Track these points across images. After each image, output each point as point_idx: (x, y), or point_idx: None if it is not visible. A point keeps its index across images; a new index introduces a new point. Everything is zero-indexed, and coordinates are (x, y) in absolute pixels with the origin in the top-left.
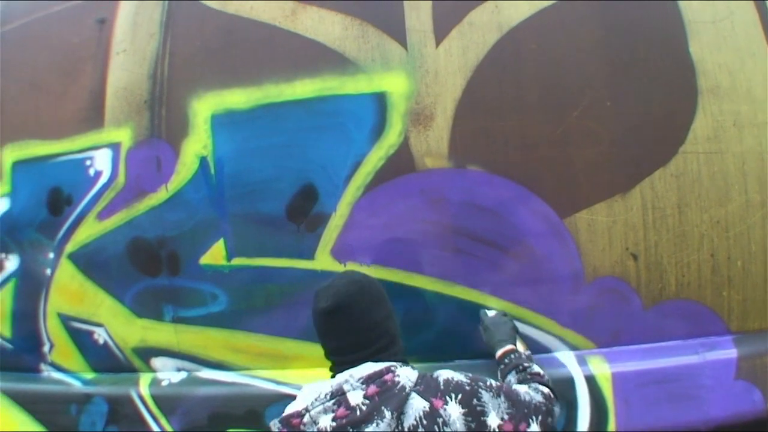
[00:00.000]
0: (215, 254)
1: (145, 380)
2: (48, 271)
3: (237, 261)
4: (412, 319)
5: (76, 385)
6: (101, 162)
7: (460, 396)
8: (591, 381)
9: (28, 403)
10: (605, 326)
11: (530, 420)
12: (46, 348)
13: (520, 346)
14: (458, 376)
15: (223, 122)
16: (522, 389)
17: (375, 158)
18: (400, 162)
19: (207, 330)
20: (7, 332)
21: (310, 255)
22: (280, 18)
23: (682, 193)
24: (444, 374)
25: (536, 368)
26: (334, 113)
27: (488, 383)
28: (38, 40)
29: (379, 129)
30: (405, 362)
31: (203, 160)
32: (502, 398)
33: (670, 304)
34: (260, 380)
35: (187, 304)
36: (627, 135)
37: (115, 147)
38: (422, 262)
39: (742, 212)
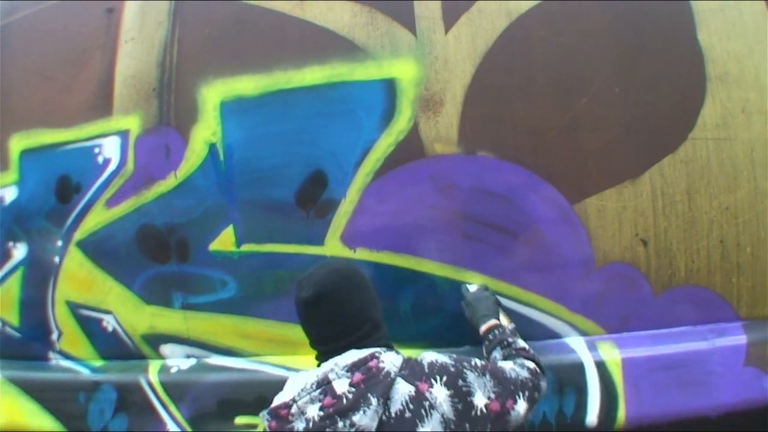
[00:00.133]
0: (224, 241)
1: (154, 367)
2: (56, 259)
3: (246, 247)
4: (421, 304)
5: (85, 372)
6: (110, 150)
7: (445, 378)
8: (601, 366)
9: (36, 392)
10: (615, 312)
11: (517, 396)
12: (54, 336)
13: (504, 320)
14: (442, 358)
15: (233, 109)
16: (507, 366)
17: (384, 144)
18: (410, 148)
19: (216, 316)
20: (15, 321)
21: (319, 241)
22: (289, 5)
23: (692, 180)
24: (428, 357)
25: (521, 343)
26: (344, 100)
27: (473, 363)
28: (46, 30)
29: (388, 115)
30: (390, 347)
31: (212, 147)
32: (488, 377)
33: (679, 290)
34: (270, 366)
35: (197, 290)
36: (636, 121)
37: (123, 135)
38: (432, 248)
39: (750, 199)
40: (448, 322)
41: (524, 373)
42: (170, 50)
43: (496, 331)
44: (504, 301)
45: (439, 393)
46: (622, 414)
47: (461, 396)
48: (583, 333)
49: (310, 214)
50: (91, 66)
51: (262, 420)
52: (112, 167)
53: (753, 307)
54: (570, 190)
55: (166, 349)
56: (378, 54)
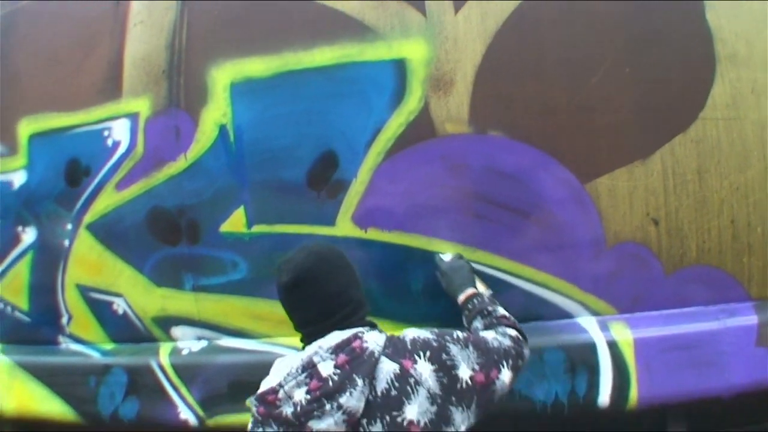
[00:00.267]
0: (235, 222)
1: (165, 350)
2: (66, 243)
3: (257, 228)
4: (432, 284)
5: (95, 356)
6: (119, 132)
7: (428, 353)
8: (613, 346)
9: (46, 376)
10: (626, 292)
11: (501, 366)
12: (64, 320)
13: (481, 287)
14: (424, 334)
15: (243, 90)
16: (490, 335)
17: (395, 124)
18: (421, 128)
19: (227, 298)
20: (24, 305)
21: (330, 221)
22: None
23: (702, 159)
24: (410, 334)
25: (501, 311)
26: (354, 80)
27: (455, 336)
28: (55, 14)
29: (398, 95)
30: (373, 326)
31: (223, 129)
32: (471, 349)
33: (690, 270)
34: (281, 348)
35: (207, 272)
36: (646, 101)
37: (133, 117)
38: (443, 228)
39: (761, 179)
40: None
41: (507, 342)
42: (179, 33)
43: (475, 300)
44: (516, 281)
45: (424, 369)
46: (634, 394)
47: (446, 370)
48: (594, 313)
49: (321, 195)
50: (100, 49)
51: (250, 406)
52: (121, 150)
53: (764, 287)
54: (581, 169)
55: (177, 331)
56: (388, 34)
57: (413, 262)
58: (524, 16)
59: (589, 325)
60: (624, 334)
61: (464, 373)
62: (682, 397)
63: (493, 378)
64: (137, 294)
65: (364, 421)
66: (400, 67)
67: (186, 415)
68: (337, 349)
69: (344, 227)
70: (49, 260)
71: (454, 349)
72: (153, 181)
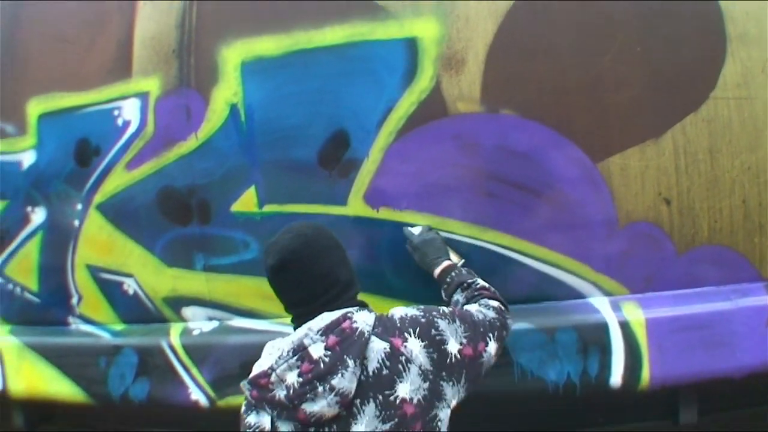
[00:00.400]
0: (246, 201)
1: (175, 330)
2: (76, 223)
3: (268, 208)
4: None
5: (105, 336)
6: (129, 112)
7: (417, 330)
8: (625, 327)
9: (55, 357)
10: (638, 272)
11: (487, 338)
12: (74, 300)
13: (454, 258)
14: (411, 311)
15: (254, 69)
16: (473, 308)
17: (407, 103)
18: (432, 107)
19: (238, 278)
20: (34, 286)
21: (342, 201)
22: None
23: (714, 139)
24: (398, 312)
25: (481, 282)
26: (365, 59)
27: (441, 311)
28: None
29: (410, 74)
30: (363, 306)
31: (233, 108)
32: (458, 323)
33: (702, 250)
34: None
35: (219, 252)
36: (658, 80)
37: (143, 97)
38: (455, 207)
39: None
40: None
41: (491, 314)
42: (189, 11)
43: (453, 273)
44: (527, 261)
45: (414, 346)
46: (646, 374)
47: (435, 345)
48: (606, 293)
49: (332, 174)
50: (109, 29)
51: (243, 389)
52: (132, 129)
53: None
54: (593, 148)
55: (187, 311)
56: (399, 13)
57: None
58: None
59: (601, 305)
60: (636, 314)
61: (453, 347)
62: (694, 378)
63: (480, 351)
64: (148, 274)
65: (357, 401)
66: (411, 45)
67: (197, 395)
68: (326, 331)
69: (356, 207)
70: (58, 241)
71: (442, 324)
72: (163, 161)
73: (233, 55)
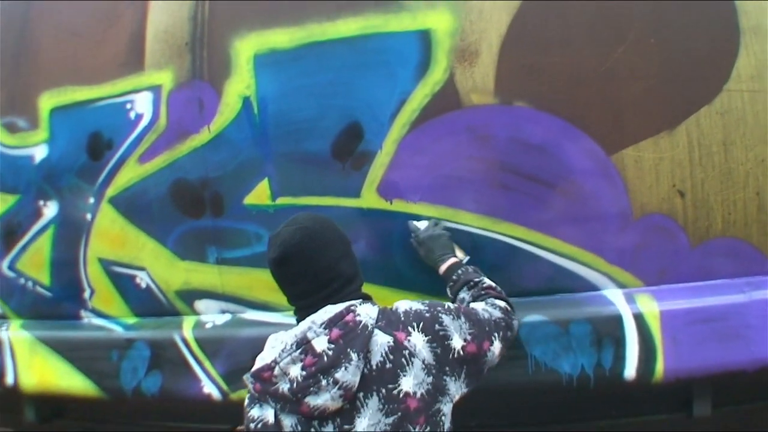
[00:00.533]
0: (259, 194)
1: (188, 323)
2: (88, 217)
3: (282, 200)
4: None
5: (118, 330)
6: (142, 105)
7: (421, 324)
8: (639, 319)
9: (67, 351)
10: (652, 264)
11: (492, 338)
12: (86, 294)
13: (460, 254)
14: (416, 305)
15: (267, 62)
16: (479, 307)
17: (420, 95)
18: (446, 99)
19: (252, 271)
20: (46, 280)
21: (355, 193)
22: None
23: (727, 131)
24: (403, 305)
25: (487, 281)
26: (379, 51)
27: (447, 306)
28: None
29: (423, 66)
30: (366, 299)
31: (246, 100)
32: (463, 319)
33: (716, 243)
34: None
35: (232, 245)
36: (672, 72)
37: (156, 90)
38: (468, 199)
39: None
40: (486, 273)
41: (497, 313)
42: (202, 4)
43: (460, 271)
44: (541, 253)
45: (418, 340)
46: (660, 367)
47: (439, 340)
48: (620, 285)
49: (346, 166)
50: (121, 22)
51: (246, 382)
52: (144, 123)
53: None
54: (607, 140)
55: (200, 304)
56: (412, 5)
57: None
58: None
59: (615, 297)
60: (650, 306)
61: (457, 343)
62: (708, 371)
63: (485, 349)
64: (160, 267)
65: (361, 394)
66: (424, 37)
67: (209, 389)
68: (330, 324)
69: (369, 199)
70: (71, 234)
71: (447, 320)
72: (176, 154)
73: (246, 47)
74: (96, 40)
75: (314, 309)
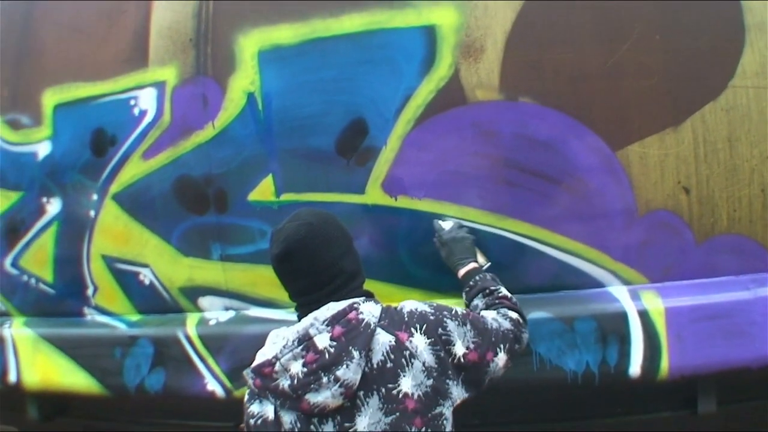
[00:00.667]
0: (264, 190)
1: (192, 320)
2: (92, 213)
3: (286, 197)
4: None
5: (121, 327)
6: (146, 101)
7: (425, 326)
8: (644, 316)
9: (71, 348)
10: (657, 261)
11: (497, 349)
12: (89, 291)
13: (481, 259)
14: (422, 307)
15: (271, 58)
16: (489, 316)
17: (425, 91)
18: (451, 95)
19: (255, 267)
20: (49, 277)
21: (360, 189)
22: None
23: (733, 128)
24: (408, 305)
25: (503, 291)
26: (383, 47)
27: (453, 312)
28: None
29: (428, 62)
30: (369, 296)
31: (251, 96)
32: (468, 327)
33: (721, 239)
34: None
35: (236, 241)
36: (677, 68)
37: (160, 86)
38: (473, 195)
39: None
40: (491, 270)
41: (506, 324)
42: (206, 1)
43: (477, 277)
44: (546, 250)
45: (419, 342)
46: (665, 364)
47: (441, 344)
48: (625, 282)
49: (350, 162)
50: (125, 18)
51: (246, 378)
52: (148, 119)
53: None
54: (612, 137)
55: (204, 301)
56: (417, 1)
57: None
58: None
59: (620, 294)
60: (655, 303)
61: (459, 349)
62: (713, 368)
63: (488, 360)
64: (164, 264)
65: (361, 393)
66: (429, 33)
67: (213, 386)
68: (332, 321)
69: (374, 195)
70: (74, 231)
71: (452, 325)
72: (180, 150)
73: (250, 43)
74: (99, 36)
75: (316, 306)
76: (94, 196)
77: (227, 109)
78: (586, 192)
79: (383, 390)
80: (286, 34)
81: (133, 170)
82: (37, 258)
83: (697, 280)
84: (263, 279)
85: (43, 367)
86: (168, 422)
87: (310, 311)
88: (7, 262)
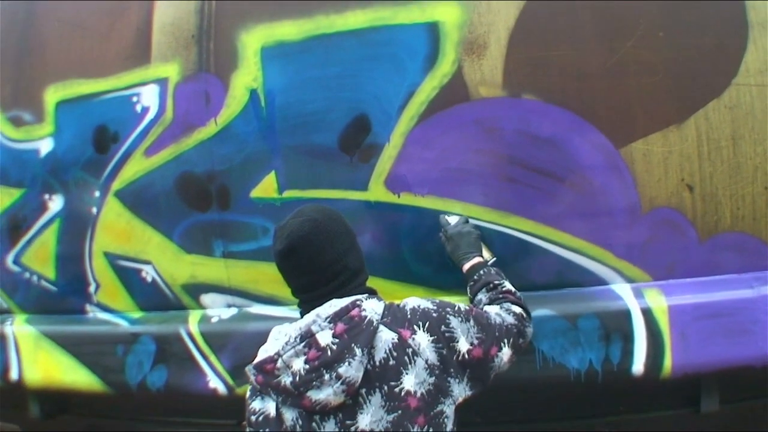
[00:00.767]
0: (266, 187)
1: (194, 317)
2: (94, 210)
3: (289, 194)
4: None
5: (123, 324)
6: (148, 98)
7: (427, 324)
8: (647, 314)
9: (72, 346)
10: (661, 258)
11: (501, 344)
12: (91, 288)
13: (486, 254)
14: (425, 304)
15: (274, 54)
16: (493, 311)
17: (428, 88)
18: (454, 91)
19: (258, 264)
20: (51, 274)
21: (363, 186)
22: None
23: (736, 125)
24: (411, 303)
25: (507, 285)
26: (387, 43)
27: (456, 308)
28: None
29: (432, 58)
30: (372, 293)
31: (253, 93)
32: (472, 322)
33: (725, 237)
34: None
35: (238, 238)
36: (680, 66)
37: (162, 82)
38: (477, 193)
39: None
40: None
41: (510, 319)
42: None
43: (482, 272)
44: (549, 247)
45: (422, 339)
46: (668, 362)
47: (444, 341)
48: (629, 280)
49: (353, 159)
50: (128, 15)
51: (248, 374)
52: (150, 116)
53: None
54: (615, 134)
55: (206, 298)
56: None
57: None
58: None
59: (623, 292)
60: (658, 301)
61: (463, 346)
62: (716, 366)
63: (492, 355)
64: (166, 261)
65: (363, 390)
66: (433, 30)
67: (215, 383)
68: (335, 318)
69: (377, 192)
70: (76, 228)
71: (455, 322)
72: (183, 147)
73: (253, 40)
74: (102, 33)
75: (319, 302)
76: (97, 193)
77: (230, 106)
78: (590, 189)
79: (385, 388)
80: (289, 30)
81: (136, 167)
82: (39, 255)
83: (701, 278)
84: (266, 276)
85: (45, 364)
86: (170, 420)
87: (313, 308)
88: (9, 259)
